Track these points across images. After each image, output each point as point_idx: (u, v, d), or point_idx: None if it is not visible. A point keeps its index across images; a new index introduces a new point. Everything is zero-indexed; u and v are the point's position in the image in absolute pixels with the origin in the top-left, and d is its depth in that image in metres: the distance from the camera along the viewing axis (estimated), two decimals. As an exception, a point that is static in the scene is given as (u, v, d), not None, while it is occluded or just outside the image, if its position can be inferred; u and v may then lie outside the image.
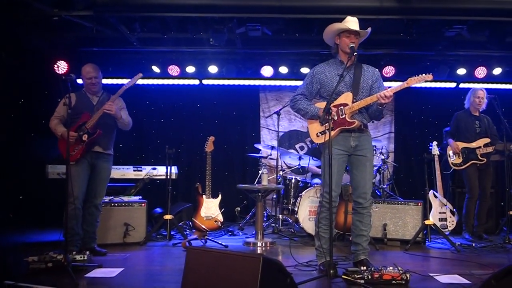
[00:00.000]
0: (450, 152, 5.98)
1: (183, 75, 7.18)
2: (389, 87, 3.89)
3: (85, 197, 4.73)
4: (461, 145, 5.90)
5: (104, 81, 7.07)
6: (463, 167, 5.89)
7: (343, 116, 3.88)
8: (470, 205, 5.89)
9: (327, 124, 3.63)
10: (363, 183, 3.96)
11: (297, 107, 4.10)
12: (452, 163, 5.97)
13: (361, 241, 4.00)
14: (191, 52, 7.02)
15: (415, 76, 3.72)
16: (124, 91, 4.74)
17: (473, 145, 5.86)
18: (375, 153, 6.30)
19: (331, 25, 3.93)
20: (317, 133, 4.01)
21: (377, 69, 4.10)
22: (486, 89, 6.05)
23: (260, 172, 6.58)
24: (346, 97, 3.89)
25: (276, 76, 7.15)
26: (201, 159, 7.39)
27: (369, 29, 3.93)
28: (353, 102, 3.86)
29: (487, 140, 5.85)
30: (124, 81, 7.11)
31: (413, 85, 3.77)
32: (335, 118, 3.87)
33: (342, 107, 3.89)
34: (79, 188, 4.57)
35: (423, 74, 3.71)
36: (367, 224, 4.01)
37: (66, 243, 4.55)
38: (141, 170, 6.46)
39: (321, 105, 3.94)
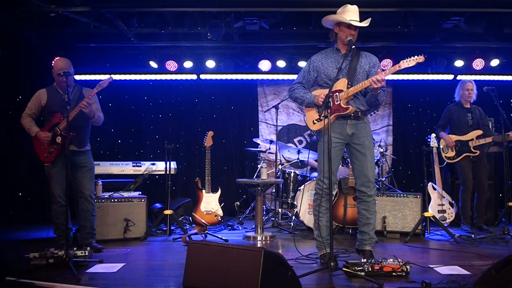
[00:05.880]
0: (443, 146, 5.97)
1: (181, 70, 7.17)
2: None
3: (73, 193, 4.70)
4: (454, 138, 5.88)
5: (102, 76, 7.14)
6: (457, 160, 5.87)
7: (338, 102, 3.90)
8: (465, 197, 5.87)
9: (324, 111, 3.64)
10: (365, 172, 3.96)
11: (294, 95, 4.15)
12: (445, 156, 5.94)
13: (368, 229, 4.00)
14: (189, 47, 7.02)
15: (407, 58, 3.69)
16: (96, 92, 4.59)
17: (466, 137, 5.83)
18: (373, 145, 6.28)
19: (331, 16, 3.93)
20: (313, 120, 4.03)
21: (375, 56, 4.09)
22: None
23: (259, 166, 6.59)
24: (341, 83, 3.91)
25: (274, 70, 7.15)
26: (200, 154, 7.42)
27: (369, 20, 3.92)
28: (347, 88, 3.88)
29: (480, 132, 5.82)
30: (121, 76, 7.22)
31: (405, 67, 3.68)
32: (330, 104, 3.86)
33: (337, 93, 3.90)
34: (60, 185, 4.54)
35: (415, 56, 3.66)
36: (373, 212, 4.01)
37: (59, 238, 4.61)
38: (140, 166, 6.45)
39: (317, 92, 3.99)
